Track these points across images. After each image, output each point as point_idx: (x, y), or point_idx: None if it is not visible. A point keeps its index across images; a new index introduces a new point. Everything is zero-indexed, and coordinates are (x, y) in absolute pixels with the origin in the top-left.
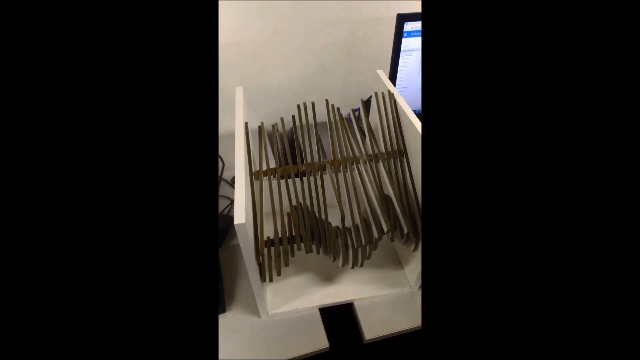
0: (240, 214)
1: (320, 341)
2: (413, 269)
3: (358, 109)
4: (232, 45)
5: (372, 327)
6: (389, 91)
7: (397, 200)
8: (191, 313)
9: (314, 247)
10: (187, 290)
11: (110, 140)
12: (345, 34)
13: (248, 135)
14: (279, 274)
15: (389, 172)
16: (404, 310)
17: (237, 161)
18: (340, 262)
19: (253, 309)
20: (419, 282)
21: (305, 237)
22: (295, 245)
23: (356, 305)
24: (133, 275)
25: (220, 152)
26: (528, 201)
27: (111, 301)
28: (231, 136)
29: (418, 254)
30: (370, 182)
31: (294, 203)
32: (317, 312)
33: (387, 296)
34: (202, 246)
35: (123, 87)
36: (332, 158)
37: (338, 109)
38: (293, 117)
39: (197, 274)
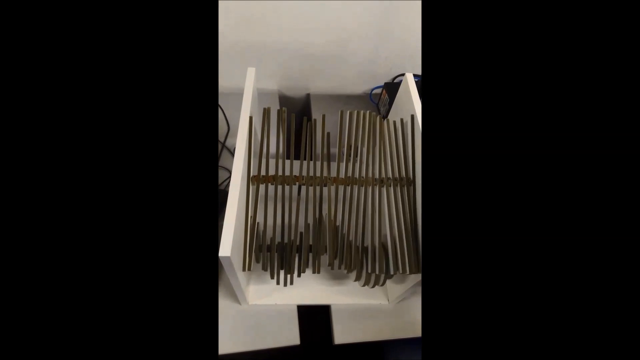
0: (226, 245)
1: (292, 337)
2: (396, 287)
3: (380, 87)
4: None
5: (343, 333)
6: (412, 116)
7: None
8: (190, 292)
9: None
10: (185, 273)
11: (105, 107)
12: (380, 7)
13: (251, 134)
14: (292, 282)
15: (395, 201)
16: (376, 322)
17: (235, 169)
18: (362, 282)
19: (235, 294)
20: (399, 299)
21: (331, 251)
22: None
23: (332, 308)
24: (128, 255)
25: (227, 111)
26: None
27: (108, 278)
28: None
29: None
30: (399, 210)
31: (309, 215)
32: (295, 308)
33: (363, 305)
34: (201, 225)
35: (118, 48)
36: (336, 176)
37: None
38: (305, 118)
39: (195, 256)
